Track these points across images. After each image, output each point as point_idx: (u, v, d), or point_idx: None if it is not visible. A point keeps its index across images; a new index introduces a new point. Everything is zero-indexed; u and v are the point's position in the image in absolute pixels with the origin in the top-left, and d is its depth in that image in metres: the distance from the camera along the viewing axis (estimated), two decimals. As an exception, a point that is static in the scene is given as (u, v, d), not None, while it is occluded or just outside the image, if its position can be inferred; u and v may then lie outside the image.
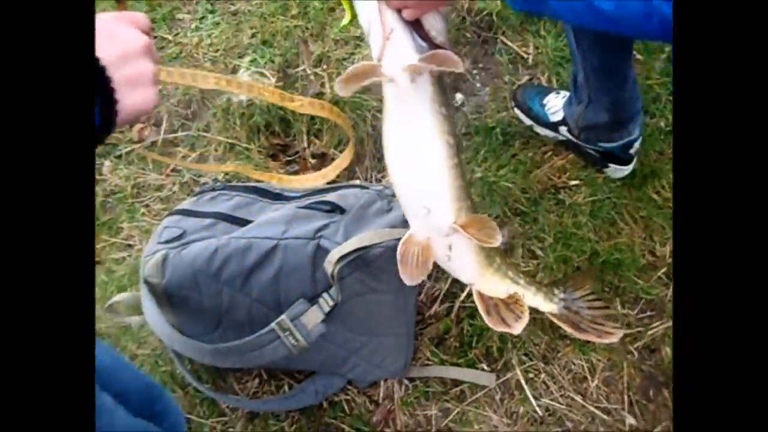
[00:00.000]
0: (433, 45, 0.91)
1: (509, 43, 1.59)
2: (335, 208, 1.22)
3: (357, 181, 1.45)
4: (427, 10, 0.91)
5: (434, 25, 0.93)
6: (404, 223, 1.20)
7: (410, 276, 0.96)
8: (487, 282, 1.04)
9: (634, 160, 1.43)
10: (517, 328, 1.04)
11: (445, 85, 0.94)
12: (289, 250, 1.19)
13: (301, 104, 0.79)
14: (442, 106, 0.93)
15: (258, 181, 1.31)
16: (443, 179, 0.95)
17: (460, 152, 0.96)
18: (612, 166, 1.43)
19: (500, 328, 1.04)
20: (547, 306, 1.10)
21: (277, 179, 0.97)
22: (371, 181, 1.52)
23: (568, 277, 1.28)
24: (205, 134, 1.56)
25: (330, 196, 1.25)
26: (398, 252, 0.96)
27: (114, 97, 0.56)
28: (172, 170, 1.56)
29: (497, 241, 0.95)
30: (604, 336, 1.11)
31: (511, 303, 1.05)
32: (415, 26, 0.91)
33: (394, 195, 1.26)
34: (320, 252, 1.18)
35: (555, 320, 1.13)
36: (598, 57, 1.23)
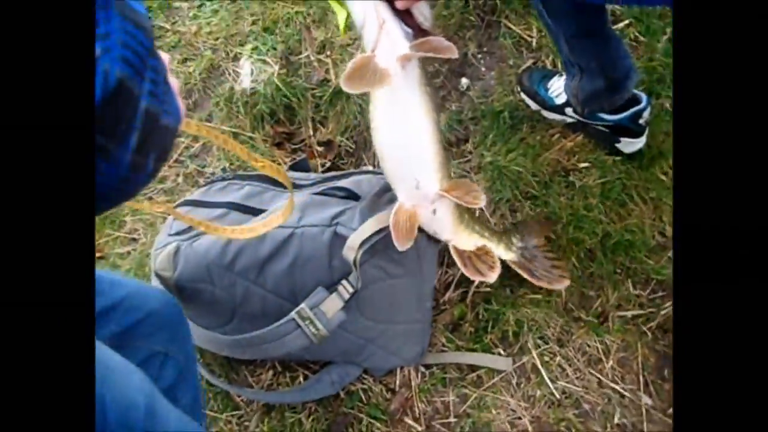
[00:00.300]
0: (421, 31, 1.02)
1: (513, 26, 1.58)
2: (350, 195, 1.20)
3: (369, 167, 1.43)
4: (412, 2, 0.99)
5: (422, 11, 1.02)
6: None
7: (401, 241, 1.08)
8: (461, 237, 1.19)
9: (646, 131, 1.42)
10: (492, 276, 1.20)
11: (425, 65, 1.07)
12: (305, 239, 1.17)
13: (263, 165, 0.86)
14: (428, 85, 1.06)
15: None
16: (430, 152, 1.08)
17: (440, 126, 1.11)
18: (623, 140, 1.42)
19: (477, 277, 1.21)
20: (507, 254, 1.29)
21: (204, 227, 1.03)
22: (376, 167, 1.50)
23: (526, 222, 1.39)
24: (207, 124, 1.53)
25: (344, 182, 1.24)
26: (390, 222, 1.08)
27: None
28: (175, 161, 1.53)
29: (482, 201, 1.10)
30: (554, 282, 1.33)
31: (482, 255, 1.22)
32: (404, 15, 1.01)
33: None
34: (337, 239, 1.16)
35: (514, 267, 1.31)
36: (574, 23, 1.23)
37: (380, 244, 1.14)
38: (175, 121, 0.55)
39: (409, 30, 1.02)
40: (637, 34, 1.59)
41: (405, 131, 1.06)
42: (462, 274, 1.40)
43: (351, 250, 1.12)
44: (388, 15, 1.00)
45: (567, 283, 1.32)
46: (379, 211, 1.18)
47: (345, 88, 0.99)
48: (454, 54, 1.00)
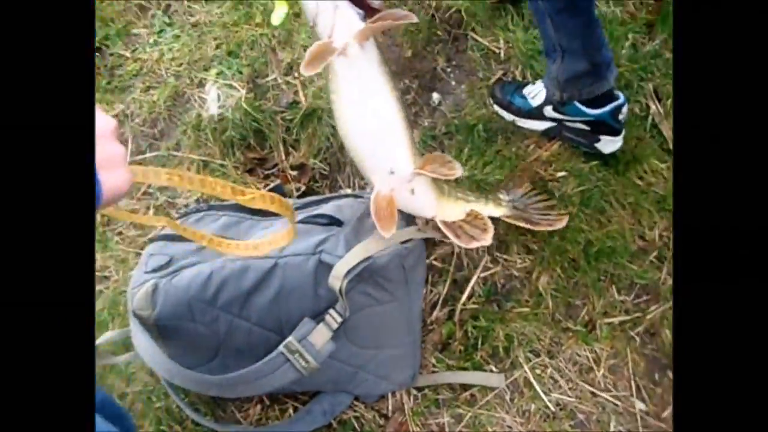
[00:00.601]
0: (372, 11, 1.05)
1: (480, 39, 1.58)
2: (333, 221, 1.17)
3: (349, 191, 1.40)
4: None
5: None
6: (401, 225, 1.19)
7: (385, 228, 1.07)
8: (446, 209, 1.18)
9: (623, 130, 1.43)
10: (487, 238, 1.17)
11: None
12: (288, 268, 1.14)
13: (253, 198, 0.80)
14: (386, 65, 1.07)
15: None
16: (399, 130, 1.08)
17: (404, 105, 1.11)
18: (603, 138, 1.42)
19: (473, 244, 1.17)
20: (500, 211, 1.28)
21: (207, 241, 1.00)
22: (354, 189, 1.47)
23: (506, 177, 1.41)
24: (175, 153, 1.48)
25: (325, 209, 1.20)
26: (371, 211, 1.08)
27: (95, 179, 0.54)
28: (144, 193, 1.48)
29: (459, 170, 1.09)
30: (554, 223, 1.32)
31: (472, 220, 1.19)
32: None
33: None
34: (322, 267, 1.13)
35: (511, 221, 1.29)
36: None
37: (366, 271, 1.11)
38: None
39: (362, 11, 1.04)
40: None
41: (372, 114, 1.06)
42: (448, 291, 1.39)
43: (336, 280, 1.09)
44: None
45: (566, 220, 1.32)
46: (363, 235, 1.15)
47: (306, 72, 1.00)
48: (414, 19, 1.03)
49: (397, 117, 1.08)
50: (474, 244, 1.16)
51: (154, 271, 1.19)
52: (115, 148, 0.60)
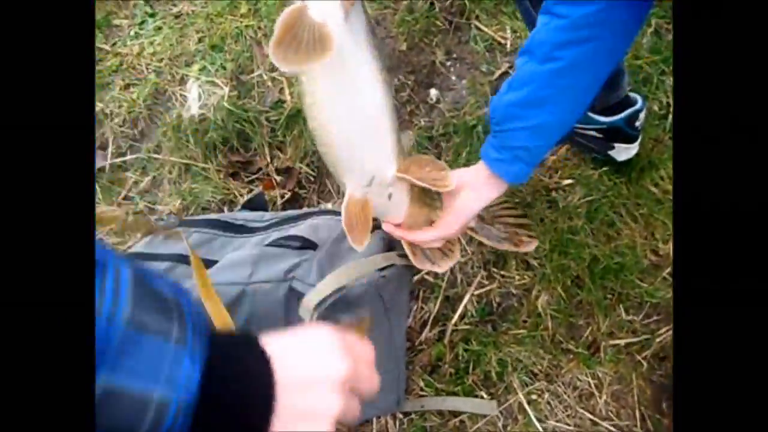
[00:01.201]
0: None
1: (484, 28, 1.44)
2: (306, 244, 1.09)
3: (330, 205, 1.31)
4: None
5: None
6: (381, 249, 1.09)
7: (358, 240, 0.93)
8: (413, 216, 1.02)
9: (640, 137, 1.30)
10: (443, 265, 1.03)
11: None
12: (257, 296, 1.05)
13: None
14: (374, 35, 0.83)
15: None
16: (386, 129, 0.88)
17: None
18: (617, 145, 1.30)
19: (426, 266, 1.03)
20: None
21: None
22: (341, 197, 1.37)
23: None
24: (156, 156, 1.40)
25: (300, 228, 1.12)
26: (343, 220, 0.92)
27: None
28: (124, 198, 1.41)
29: (452, 183, 0.93)
30: (520, 245, 1.11)
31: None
32: None
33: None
34: (293, 295, 1.05)
35: (473, 235, 1.11)
36: None
37: (341, 301, 1.02)
38: None
39: None
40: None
41: (356, 105, 0.83)
42: (439, 310, 1.30)
43: (307, 312, 1.00)
44: None
45: (534, 244, 1.11)
46: (339, 260, 1.06)
47: (277, 63, 0.71)
48: None
49: (386, 113, 0.87)
50: (427, 267, 1.03)
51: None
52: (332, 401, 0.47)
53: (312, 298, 1.01)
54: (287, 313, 1.05)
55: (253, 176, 1.37)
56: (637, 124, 1.27)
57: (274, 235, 1.13)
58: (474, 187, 0.95)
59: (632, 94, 1.27)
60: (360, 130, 0.87)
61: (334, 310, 1.04)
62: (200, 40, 1.44)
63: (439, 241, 1.01)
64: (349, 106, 0.84)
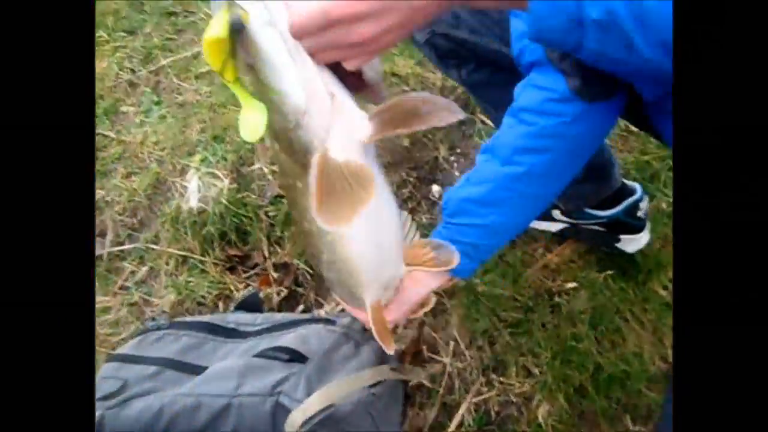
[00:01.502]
0: (358, 82, 0.70)
1: (489, 122, 1.43)
2: (295, 357, 1.05)
3: (323, 312, 1.28)
4: (371, 57, 0.66)
5: (373, 64, 0.70)
6: (373, 362, 1.05)
7: (390, 344, 0.89)
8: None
9: (647, 225, 1.26)
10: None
11: None
12: (243, 410, 1.01)
13: None
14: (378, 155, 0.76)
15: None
16: (400, 239, 0.85)
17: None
18: (623, 237, 1.26)
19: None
20: None
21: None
22: (329, 313, 1.32)
23: None
24: (154, 246, 1.38)
25: (289, 339, 1.08)
26: (376, 334, 0.88)
27: None
28: (120, 288, 1.39)
29: (456, 258, 0.87)
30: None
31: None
32: (340, 70, 0.68)
33: (362, 332, 1.10)
34: (280, 410, 1.00)
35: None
36: None
37: (329, 420, 0.98)
38: None
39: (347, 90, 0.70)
40: (626, 123, 1.43)
41: (380, 226, 0.78)
42: (436, 417, 1.24)
43: (292, 429, 0.96)
44: (337, 85, 0.68)
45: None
46: (328, 374, 1.02)
47: (330, 227, 0.66)
48: (456, 116, 0.66)
49: (400, 225, 0.84)
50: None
51: (105, 398, 1.09)
52: None
53: (298, 416, 0.97)
54: (274, 428, 1.01)
55: (251, 271, 1.35)
56: (639, 214, 1.24)
57: (264, 343, 1.10)
58: (416, 278, 0.91)
59: (630, 184, 1.24)
60: (384, 255, 0.84)
61: (322, 426, 1.00)
62: (203, 130, 1.44)
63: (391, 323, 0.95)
64: (377, 233, 0.80)
